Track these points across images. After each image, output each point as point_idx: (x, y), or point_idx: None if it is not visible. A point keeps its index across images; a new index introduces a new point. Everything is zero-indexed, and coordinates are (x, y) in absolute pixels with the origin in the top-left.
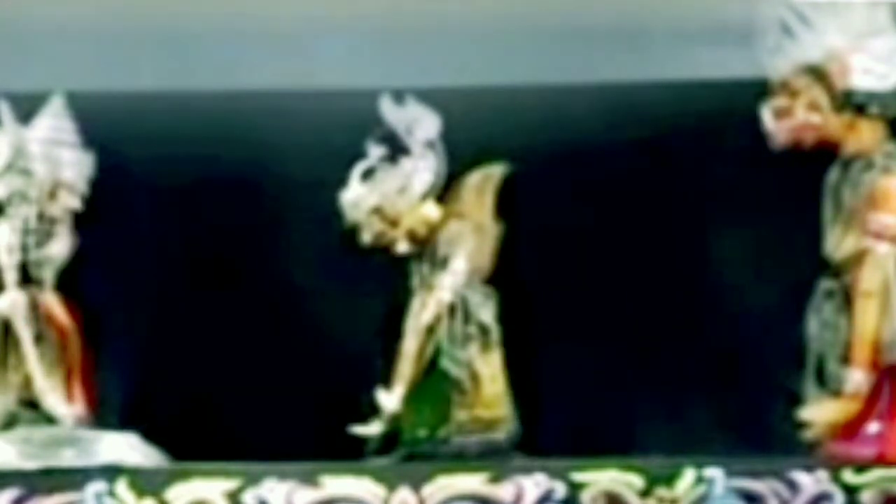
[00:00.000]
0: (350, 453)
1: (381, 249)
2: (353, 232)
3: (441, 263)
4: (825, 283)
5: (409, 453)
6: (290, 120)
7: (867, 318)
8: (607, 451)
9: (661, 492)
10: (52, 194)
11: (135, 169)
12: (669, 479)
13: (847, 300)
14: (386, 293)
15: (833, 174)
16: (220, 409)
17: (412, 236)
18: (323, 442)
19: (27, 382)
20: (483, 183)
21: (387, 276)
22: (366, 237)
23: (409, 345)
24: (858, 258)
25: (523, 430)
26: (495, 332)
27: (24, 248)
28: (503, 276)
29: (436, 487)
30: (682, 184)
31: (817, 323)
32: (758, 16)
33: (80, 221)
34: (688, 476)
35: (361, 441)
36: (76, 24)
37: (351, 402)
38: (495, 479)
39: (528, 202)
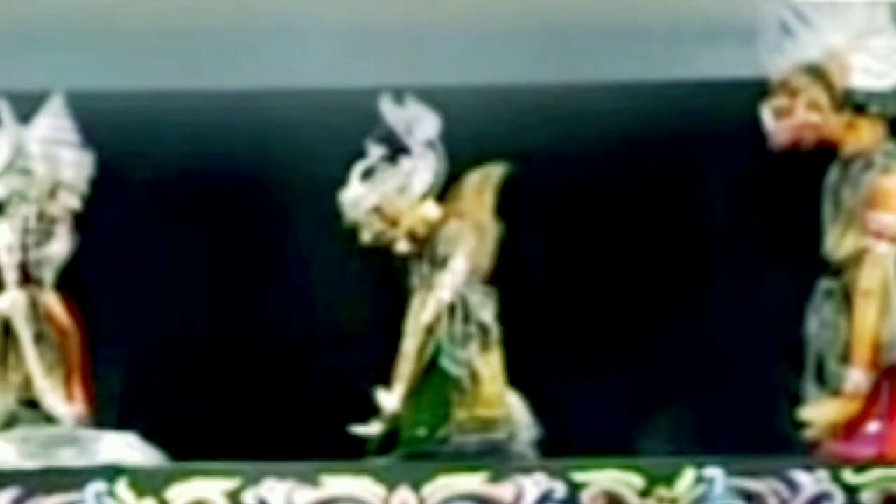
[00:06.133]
0: (350, 453)
1: (381, 249)
2: (353, 231)
3: (441, 263)
4: (825, 283)
5: (408, 453)
6: (290, 120)
7: (867, 318)
8: (607, 451)
9: (661, 491)
10: (52, 194)
11: (135, 169)
12: (669, 479)
13: (847, 300)
14: (386, 293)
15: (833, 174)
16: (220, 409)
17: (412, 236)
18: (323, 442)
19: (27, 382)
20: (483, 182)
21: (387, 275)
22: (366, 236)
23: (409, 344)
24: (858, 257)
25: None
26: (495, 332)
27: (24, 248)
28: (503, 276)
29: (436, 487)
30: (681, 183)
31: (817, 322)
32: (758, 16)
33: (80, 221)
34: (688, 476)
35: (361, 441)
36: (76, 24)
37: (351, 402)
38: (495, 479)
39: (528, 202)
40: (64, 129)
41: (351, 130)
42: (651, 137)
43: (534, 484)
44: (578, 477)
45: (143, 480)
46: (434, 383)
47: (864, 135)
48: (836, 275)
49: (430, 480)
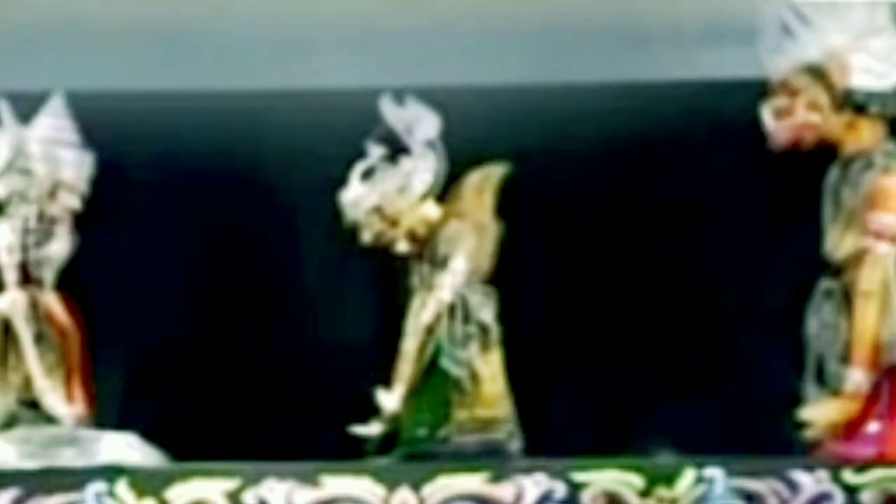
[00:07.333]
0: (350, 453)
1: (381, 249)
2: (353, 231)
3: (441, 263)
4: (825, 283)
5: (408, 453)
6: (290, 120)
7: (867, 318)
8: (607, 451)
9: (661, 492)
10: (52, 194)
11: (135, 169)
12: (669, 479)
13: (847, 300)
14: (386, 293)
15: (833, 174)
16: (221, 409)
17: (412, 236)
18: (323, 442)
19: (27, 382)
20: (483, 183)
21: (387, 275)
22: (366, 237)
23: (409, 345)
24: (858, 258)
25: (523, 430)
26: (495, 332)
27: (24, 248)
28: (503, 276)
29: (436, 487)
30: (681, 183)
31: (817, 323)
32: (758, 16)
33: (80, 221)
34: (688, 476)
35: (361, 441)
36: (76, 24)
37: (351, 402)
38: (495, 479)
39: (528, 202)
40: (64, 129)
41: (351, 130)
42: (651, 137)
43: (534, 484)
44: (578, 477)
45: (143, 480)
46: (434, 383)
47: (864, 135)
48: (836, 275)
49: (430, 480)
